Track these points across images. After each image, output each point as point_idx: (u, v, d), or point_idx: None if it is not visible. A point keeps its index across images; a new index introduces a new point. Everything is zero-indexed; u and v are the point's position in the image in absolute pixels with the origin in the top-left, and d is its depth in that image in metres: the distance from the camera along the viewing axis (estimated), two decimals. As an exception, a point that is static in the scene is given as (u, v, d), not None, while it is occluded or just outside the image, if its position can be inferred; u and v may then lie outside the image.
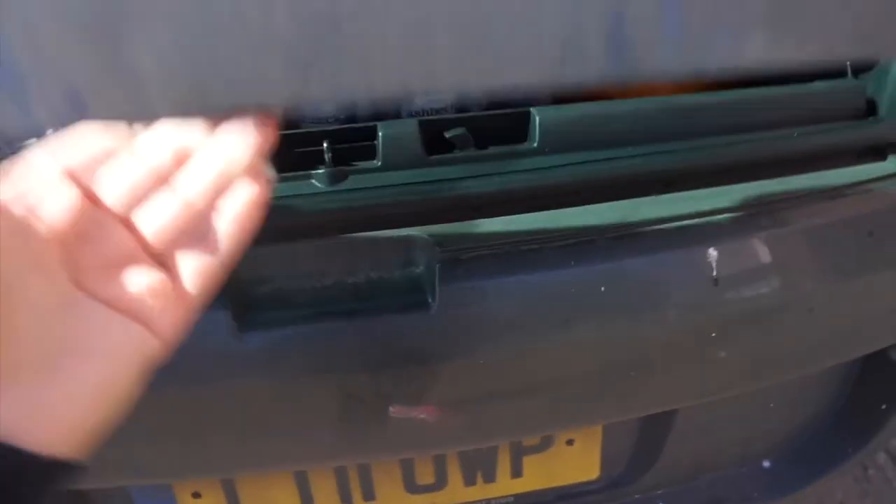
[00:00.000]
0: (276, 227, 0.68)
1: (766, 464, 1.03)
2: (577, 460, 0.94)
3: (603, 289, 0.66)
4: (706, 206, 0.71)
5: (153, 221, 0.32)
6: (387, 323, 0.65)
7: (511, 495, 0.95)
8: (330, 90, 0.31)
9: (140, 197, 0.31)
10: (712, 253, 0.68)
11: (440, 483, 0.91)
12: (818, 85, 0.80)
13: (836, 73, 0.83)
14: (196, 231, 0.33)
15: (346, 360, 0.65)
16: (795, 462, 1.01)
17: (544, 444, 0.91)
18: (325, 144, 0.72)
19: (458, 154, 0.73)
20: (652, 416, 0.89)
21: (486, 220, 0.70)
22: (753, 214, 0.70)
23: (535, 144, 0.73)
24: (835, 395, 0.99)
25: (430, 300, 0.65)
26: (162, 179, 0.32)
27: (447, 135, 0.74)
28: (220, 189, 0.32)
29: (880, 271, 0.76)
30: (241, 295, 0.65)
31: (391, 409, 0.68)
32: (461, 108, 0.88)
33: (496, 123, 0.76)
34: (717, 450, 1.01)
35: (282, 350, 0.64)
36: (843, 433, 1.00)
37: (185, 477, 0.81)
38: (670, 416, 0.89)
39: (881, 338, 0.85)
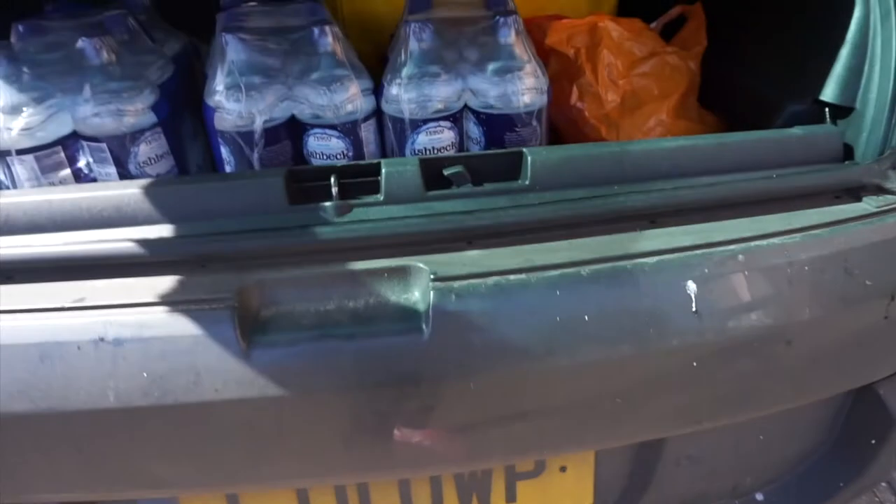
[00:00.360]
0: (284, 253, 0.75)
1: (759, 496, 1.04)
2: (571, 487, 0.97)
3: (586, 318, 0.70)
4: (688, 242, 0.75)
5: None
6: (383, 346, 0.69)
7: (505, 520, 0.97)
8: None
9: None
10: (691, 286, 0.72)
11: (436, 505, 0.93)
12: (797, 130, 0.85)
13: (815, 118, 0.88)
14: None
15: (344, 380, 0.69)
16: (788, 495, 1.03)
17: (537, 470, 0.94)
18: (332, 179, 0.78)
19: (455, 190, 0.79)
20: (643, 445, 0.92)
21: (479, 251, 0.75)
22: (733, 250, 0.74)
23: (528, 182, 0.79)
24: (826, 429, 1.01)
25: (423, 326, 0.69)
26: None
27: (445, 172, 0.79)
28: None
29: (858, 308, 0.79)
30: (249, 316, 0.70)
31: (387, 429, 0.72)
32: (461, 148, 0.94)
33: (492, 162, 0.82)
34: (710, 482, 1.02)
35: (285, 368, 0.68)
36: (834, 467, 1.01)
37: (190, 490, 0.85)
38: (661, 445, 0.92)
39: (865, 373, 0.88)
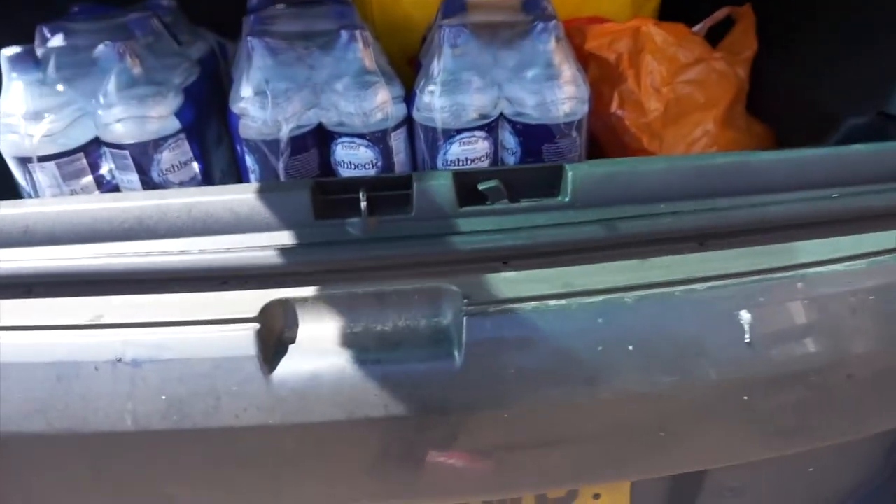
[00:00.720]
0: (309, 271, 0.71)
1: (805, 531, 0.98)
2: (604, 517, 0.92)
3: (631, 348, 0.66)
4: (741, 267, 0.70)
5: None
6: (412, 373, 0.65)
7: (535, 549, 0.93)
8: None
9: None
10: (745, 316, 0.67)
11: (464, 533, 0.89)
12: (862, 147, 0.78)
13: (879, 132, 0.82)
14: None
15: (370, 407, 0.65)
16: (836, 532, 0.97)
17: (569, 498, 0.89)
18: (360, 193, 0.74)
19: (490, 206, 0.74)
20: (682, 476, 0.87)
21: (515, 272, 0.70)
22: (791, 277, 0.69)
23: (568, 199, 0.74)
24: (880, 460, 0.95)
25: (455, 353, 0.65)
26: None
27: (480, 187, 0.75)
28: None
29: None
30: (272, 338, 0.66)
31: (415, 457, 0.68)
32: (495, 158, 0.90)
33: (530, 177, 0.77)
34: (751, 514, 0.97)
35: (308, 394, 0.65)
36: (887, 501, 0.95)
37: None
38: (700, 476, 0.86)
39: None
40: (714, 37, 1.13)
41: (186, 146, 0.89)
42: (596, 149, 1.04)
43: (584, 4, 1.16)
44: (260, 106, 0.82)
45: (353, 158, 0.87)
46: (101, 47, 0.86)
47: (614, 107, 1.00)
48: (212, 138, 0.99)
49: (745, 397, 0.69)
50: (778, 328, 0.68)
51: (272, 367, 0.65)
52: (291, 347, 0.67)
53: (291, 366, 0.65)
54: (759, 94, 1.06)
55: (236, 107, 0.84)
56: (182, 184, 0.90)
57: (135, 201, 0.74)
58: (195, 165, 0.91)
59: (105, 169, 0.89)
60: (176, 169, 0.89)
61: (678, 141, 0.97)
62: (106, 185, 0.89)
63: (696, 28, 1.15)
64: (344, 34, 0.83)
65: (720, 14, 1.16)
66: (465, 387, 0.65)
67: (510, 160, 0.89)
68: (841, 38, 0.95)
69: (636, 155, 0.98)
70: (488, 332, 0.65)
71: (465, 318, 0.65)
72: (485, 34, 0.87)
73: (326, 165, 0.90)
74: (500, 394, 0.66)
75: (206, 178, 0.94)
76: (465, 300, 0.66)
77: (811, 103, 0.95)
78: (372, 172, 0.88)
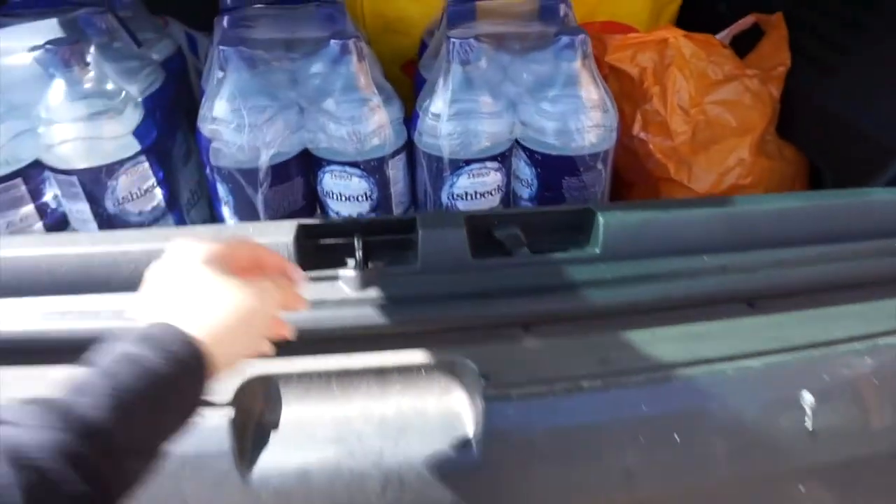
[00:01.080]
0: (292, 340, 0.60)
1: None
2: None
3: (677, 438, 0.56)
4: (799, 338, 0.60)
5: None
6: (420, 468, 0.54)
7: None
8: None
9: None
10: (808, 398, 0.58)
11: None
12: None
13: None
14: None
15: (369, 509, 0.54)
16: None
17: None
18: (355, 238, 0.62)
19: (509, 259, 0.63)
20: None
21: (538, 341, 0.60)
22: (857, 350, 0.60)
23: (598, 250, 0.63)
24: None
25: (472, 443, 0.54)
26: None
27: (497, 235, 0.64)
28: None
29: None
30: (249, 424, 0.55)
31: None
32: (507, 191, 0.79)
33: (552, 222, 0.67)
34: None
35: (294, 495, 0.54)
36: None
37: None
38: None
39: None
40: (736, 49, 1.03)
41: (147, 169, 0.76)
42: (614, 175, 0.93)
43: (599, 6, 1.04)
44: (235, 128, 0.70)
45: (343, 189, 0.75)
46: (43, 51, 0.72)
47: (637, 129, 0.90)
48: (178, 156, 0.86)
49: (801, 488, 0.60)
50: (842, 411, 0.59)
51: (250, 463, 0.53)
52: (273, 436, 0.55)
53: (274, 460, 0.54)
54: (788, 114, 0.96)
55: (206, 128, 0.71)
56: (142, 213, 0.77)
57: (70, 247, 0.60)
58: (158, 192, 0.78)
59: (49, 195, 0.76)
60: (135, 197, 0.76)
61: (709, 170, 0.87)
62: (50, 216, 0.76)
63: (720, 36, 1.05)
64: (334, 45, 0.70)
65: (746, 22, 1.05)
66: (485, 485, 0.55)
67: (524, 193, 0.78)
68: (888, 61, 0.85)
69: (661, 184, 0.88)
70: (511, 420, 0.55)
71: (483, 403, 0.54)
72: (499, 47, 0.75)
73: (312, 196, 0.78)
74: (524, 492, 0.55)
75: (172, 205, 0.81)
76: (484, 380, 0.55)
77: (854, 130, 0.85)
78: (366, 205, 0.76)
